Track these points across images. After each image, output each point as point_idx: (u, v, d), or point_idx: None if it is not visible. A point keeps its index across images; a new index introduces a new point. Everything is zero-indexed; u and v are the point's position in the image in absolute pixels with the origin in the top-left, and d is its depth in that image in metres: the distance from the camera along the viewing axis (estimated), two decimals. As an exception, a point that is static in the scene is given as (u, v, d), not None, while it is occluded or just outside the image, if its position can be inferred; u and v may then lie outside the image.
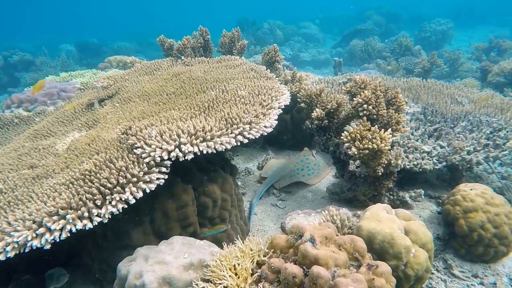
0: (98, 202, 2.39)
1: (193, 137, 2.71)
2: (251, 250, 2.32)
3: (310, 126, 4.19)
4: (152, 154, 2.62)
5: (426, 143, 4.30)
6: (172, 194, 2.91)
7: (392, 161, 3.42)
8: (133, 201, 2.49)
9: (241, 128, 2.92)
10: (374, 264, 2.04)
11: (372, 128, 3.11)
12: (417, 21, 18.97)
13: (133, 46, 20.26)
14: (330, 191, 4.21)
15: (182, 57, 5.36)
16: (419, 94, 5.28)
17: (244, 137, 2.93)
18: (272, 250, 2.30)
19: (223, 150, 2.79)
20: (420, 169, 3.85)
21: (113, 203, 2.39)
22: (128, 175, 2.52)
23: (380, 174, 3.40)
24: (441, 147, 4.22)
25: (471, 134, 4.35)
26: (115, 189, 2.45)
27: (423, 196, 3.80)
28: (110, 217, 2.40)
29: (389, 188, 3.76)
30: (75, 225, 2.30)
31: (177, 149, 2.64)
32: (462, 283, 3.33)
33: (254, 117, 3.08)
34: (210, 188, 3.09)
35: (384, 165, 3.33)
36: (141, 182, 2.53)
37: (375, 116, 3.38)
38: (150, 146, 2.67)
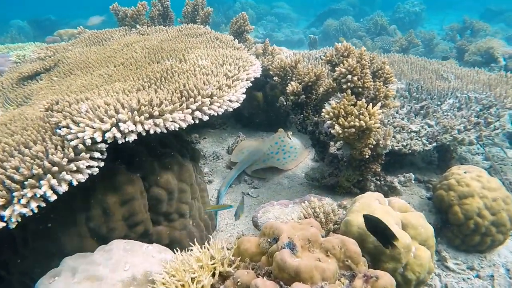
0: (1, 202, 1.75)
1: (136, 113, 2.10)
2: (212, 258, 1.76)
3: (285, 103, 3.64)
4: (80, 135, 1.99)
5: (413, 122, 3.86)
6: (114, 185, 2.31)
7: (380, 142, 2.94)
8: (53, 197, 1.86)
9: (200, 102, 2.33)
10: (373, 275, 1.54)
11: (359, 103, 2.60)
12: (390, 4, 18.66)
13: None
14: (309, 176, 3.71)
15: (137, 26, 4.64)
16: (402, 69, 4.83)
17: (204, 113, 2.34)
18: (239, 257, 1.76)
19: (176, 129, 2.20)
20: (409, 151, 3.40)
21: (23, 201, 1.76)
22: (47, 164, 1.88)
23: (367, 156, 2.92)
24: (429, 126, 3.79)
25: (460, 112, 3.95)
26: (26, 183, 1.81)
27: (413, 181, 3.37)
28: (19, 220, 1.77)
29: (375, 172, 3.29)
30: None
31: (114, 129, 2.02)
32: (458, 276, 2.93)
33: (217, 89, 2.49)
34: (164, 177, 2.50)
35: (372, 146, 2.85)
36: (64, 172, 1.90)
37: (360, 89, 2.86)
38: (78, 125, 2.04)
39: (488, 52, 7.20)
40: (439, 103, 4.16)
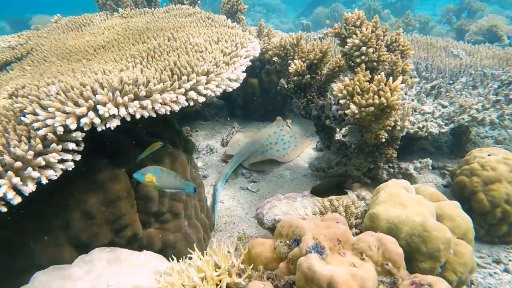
0: None
1: (118, 93, 1.73)
2: (217, 267, 1.42)
3: (286, 86, 3.29)
4: (49, 121, 1.62)
5: (425, 103, 3.55)
6: (95, 183, 1.94)
7: (398, 123, 2.62)
8: (17, 200, 1.49)
9: (194, 81, 1.97)
10: (425, 282, 1.21)
11: (377, 77, 2.27)
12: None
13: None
14: (314, 167, 3.38)
15: (119, 9, 4.24)
16: (407, 49, 4.51)
17: (199, 93, 1.99)
18: (251, 265, 1.42)
19: (167, 113, 1.84)
20: (426, 133, 3.09)
21: (-24, 206, 1.39)
22: (8, 159, 1.51)
23: (383, 140, 2.59)
24: (444, 106, 3.48)
25: (476, 90, 3.65)
26: (-20, 183, 1.44)
27: (430, 167, 3.06)
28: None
29: (388, 159, 2.97)
30: None
31: (91, 113, 1.65)
32: (484, 271, 2.64)
33: (213, 65, 2.14)
34: (154, 171, 2.14)
35: (390, 128, 2.52)
36: (30, 168, 1.53)
37: (375, 64, 2.53)
38: (47, 109, 1.66)
39: (491, 30, 6.92)
40: (451, 82, 3.86)
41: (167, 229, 2.29)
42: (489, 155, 2.88)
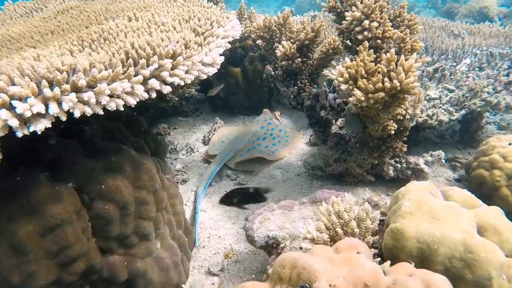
0: None
1: (45, 83, 1.24)
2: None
3: (273, 73, 2.84)
4: None
5: (429, 88, 3.15)
6: (28, 206, 1.46)
7: (409, 111, 2.20)
8: None
9: (156, 65, 1.50)
10: None
11: (384, 56, 1.84)
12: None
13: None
14: (309, 165, 2.95)
15: (78, -8, 3.69)
16: (402, 30, 4.11)
17: (163, 81, 1.52)
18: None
19: (120, 108, 1.37)
20: (436, 122, 2.69)
21: None
22: None
23: (392, 132, 2.18)
24: (450, 91, 3.09)
25: (484, 72, 3.27)
26: None
27: (443, 160, 2.66)
28: None
29: (395, 153, 2.57)
30: None
31: (4, 111, 1.16)
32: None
33: (181, 46, 1.66)
34: (112, 184, 1.67)
35: (401, 118, 2.10)
36: None
37: (379, 42, 2.09)
38: None
39: (481, 12, 6.62)
40: (454, 64, 3.48)
41: (134, 254, 1.82)
42: (510, 144, 2.50)
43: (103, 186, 1.66)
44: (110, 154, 1.74)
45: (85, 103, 1.29)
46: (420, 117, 2.65)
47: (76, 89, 1.29)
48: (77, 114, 1.27)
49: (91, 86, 1.33)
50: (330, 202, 1.67)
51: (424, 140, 3.53)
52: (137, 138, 2.03)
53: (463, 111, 2.82)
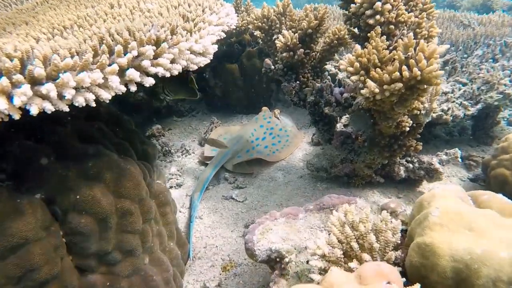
0: None
1: (-5, 74, 1.01)
2: None
3: (272, 67, 2.61)
4: None
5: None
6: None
7: (425, 105, 1.97)
8: None
9: (135, 53, 1.26)
10: None
11: (402, 42, 1.60)
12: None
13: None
14: (313, 166, 2.72)
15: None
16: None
17: (145, 72, 1.28)
18: None
19: (91, 104, 1.13)
20: (451, 117, 2.47)
21: None
22: None
23: (407, 129, 1.95)
24: (463, 84, 2.86)
25: (498, 63, 3.05)
26: None
27: (460, 159, 2.43)
28: None
29: (410, 152, 2.34)
30: None
31: None
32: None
33: (168, 31, 1.43)
34: (88, 193, 1.43)
35: (418, 113, 1.87)
36: None
37: (392, 27, 1.86)
38: None
39: (485, 5, 6.42)
40: (465, 55, 3.25)
41: (117, 273, 1.59)
42: (534, 140, 2.28)
43: (78, 196, 1.42)
44: (86, 159, 1.50)
45: (44, 97, 1.05)
46: (434, 113, 2.42)
47: (34, 81, 1.06)
48: (33, 111, 1.03)
49: (52, 78, 1.09)
50: (342, 210, 1.44)
51: (434, 137, 3.30)
52: (122, 140, 1.80)
53: (479, 105, 2.59)
